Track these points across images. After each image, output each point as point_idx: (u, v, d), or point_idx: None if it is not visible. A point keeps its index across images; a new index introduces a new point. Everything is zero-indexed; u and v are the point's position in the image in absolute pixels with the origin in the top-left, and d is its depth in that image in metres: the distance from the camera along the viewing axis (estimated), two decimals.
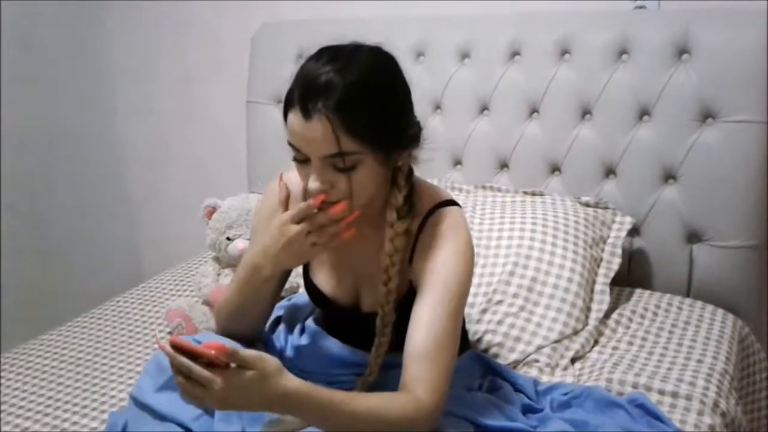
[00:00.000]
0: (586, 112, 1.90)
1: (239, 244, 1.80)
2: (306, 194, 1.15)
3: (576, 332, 1.59)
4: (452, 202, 1.25)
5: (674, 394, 1.35)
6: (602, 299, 1.67)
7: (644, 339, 1.58)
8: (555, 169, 1.97)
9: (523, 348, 1.54)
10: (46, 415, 1.46)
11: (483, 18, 2.07)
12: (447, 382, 1.13)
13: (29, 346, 1.76)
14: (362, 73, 1.09)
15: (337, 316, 1.36)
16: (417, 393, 1.09)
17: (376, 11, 2.20)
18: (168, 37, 2.74)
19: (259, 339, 1.39)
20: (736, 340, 1.63)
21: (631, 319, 1.68)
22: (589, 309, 1.65)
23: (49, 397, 1.52)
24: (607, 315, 1.68)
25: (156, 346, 1.70)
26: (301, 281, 1.41)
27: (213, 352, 0.94)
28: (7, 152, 2.56)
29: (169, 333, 1.74)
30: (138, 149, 2.98)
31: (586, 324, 1.62)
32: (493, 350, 1.54)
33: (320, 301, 1.35)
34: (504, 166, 2.03)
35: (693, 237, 1.82)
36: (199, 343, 0.98)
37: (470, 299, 1.60)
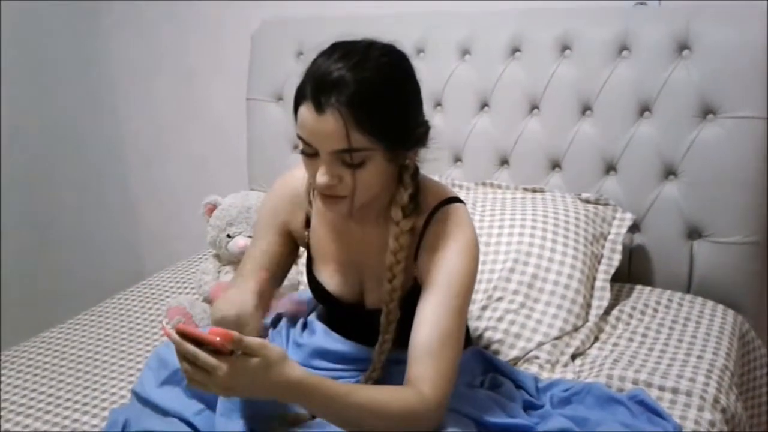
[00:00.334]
0: (586, 109, 1.90)
1: (240, 242, 1.81)
2: (313, 188, 1.14)
3: (576, 329, 1.59)
4: (457, 200, 1.25)
5: (674, 390, 1.35)
6: (602, 296, 1.67)
7: (644, 335, 1.58)
8: (555, 165, 1.97)
9: (524, 345, 1.54)
10: (47, 412, 1.46)
11: (483, 14, 2.07)
12: (452, 380, 1.14)
13: (30, 344, 1.76)
14: (376, 70, 1.09)
15: (341, 313, 1.36)
16: (422, 389, 1.10)
17: (376, 7, 2.20)
18: (168, 36, 2.74)
19: (261, 336, 1.39)
20: (737, 336, 1.63)
21: (631, 316, 1.68)
22: (589, 305, 1.65)
23: (50, 395, 1.52)
24: (608, 311, 1.68)
25: (156, 342, 1.70)
26: (303, 278, 1.41)
27: (218, 339, 0.95)
28: (7, 151, 2.56)
29: (162, 336, 1.74)
30: (139, 147, 2.98)
31: (586, 320, 1.62)
32: (494, 347, 1.54)
33: (324, 298, 1.35)
34: (504, 162, 2.03)
35: (693, 233, 1.82)
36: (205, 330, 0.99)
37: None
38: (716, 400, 1.34)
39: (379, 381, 1.24)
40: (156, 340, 1.73)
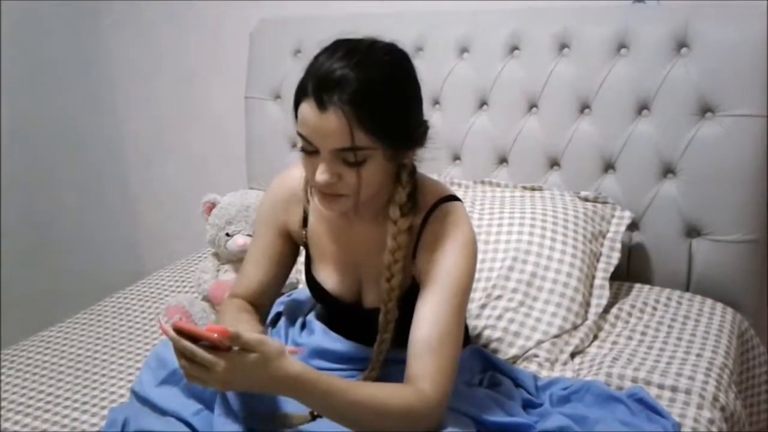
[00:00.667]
0: (585, 107, 1.90)
1: (239, 240, 1.80)
2: (311, 186, 1.15)
3: (575, 327, 1.59)
4: (454, 198, 1.25)
5: (673, 389, 1.35)
6: (601, 294, 1.67)
7: (643, 333, 1.59)
8: (554, 163, 1.97)
9: (523, 343, 1.54)
10: (47, 411, 1.46)
11: (482, 12, 2.07)
12: (452, 377, 1.14)
13: (29, 343, 1.76)
14: (379, 69, 1.09)
15: (339, 313, 1.36)
16: (422, 387, 1.10)
17: (374, 6, 2.20)
18: (168, 35, 2.74)
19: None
20: (736, 334, 1.63)
21: (630, 314, 1.68)
22: (588, 304, 1.65)
23: (50, 394, 1.52)
24: (607, 310, 1.68)
25: (155, 341, 1.70)
26: (301, 277, 1.41)
27: (216, 335, 0.96)
28: (7, 151, 2.56)
29: (162, 335, 1.74)
30: (138, 146, 2.98)
31: (585, 319, 1.62)
32: (493, 345, 1.54)
33: (322, 297, 1.35)
34: (503, 161, 2.03)
35: (692, 231, 1.82)
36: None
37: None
38: (715, 398, 1.34)
39: (378, 380, 1.24)
40: (155, 339, 1.73)
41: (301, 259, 1.40)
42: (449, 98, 2.06)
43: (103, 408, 1.44)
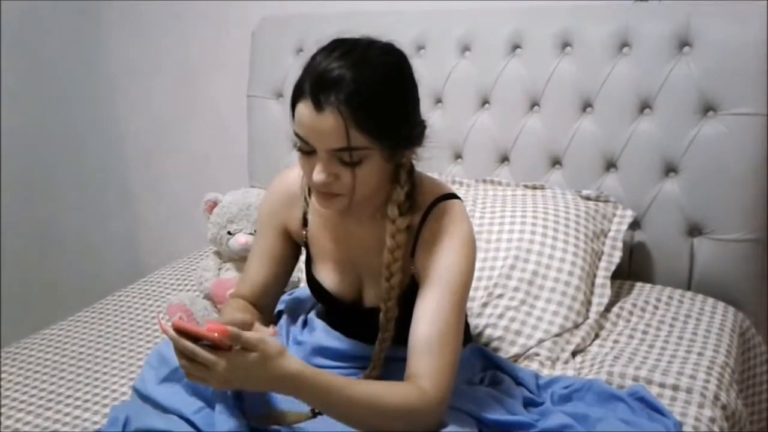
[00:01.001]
0: (587, 105, 1.90)
1: (240, 239, 1.81)
2: (309, 185, 1.15)
3: (577, 326, 1.59)
4: (453, 196, 1.25)
5: (675, 387, 1.35)
6: (603, 293, 1.67)
7: (645, 332, 1.58)
8: (556, 162, 1.96)
9: (524, 342, 1.54)
10: (48, 409, 1.46)
11: (484, 11, 2.06)
12: (452, 375, 1.14)
13: (30, 341, 1.76)
14: (376, 69, 1.09)
15: (340, 312, 1.36)
16: (422, 385, 1.10)
17: (376, 5, 2.19)
18: (169, 34, 2.74)
19: None
20: (737, 333, 1.63)
21: (631, 313, 1.68)
22: (589, 302, 1.65)
23: (51, 391, 1.52)
24: (608, 308, 1.68)
25: (156, 339, 1.70)
26: (302, 275, 1.42)
27: (216, 334, 0.96)
28: (7, 150, 2.56)
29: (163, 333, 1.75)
30: (139, 145, 2.98)
31: (586, 317, 1.62)
32: (494, 344, 1.54)
33: (322, 296, 1.35)
34: (505, 159, 2.03)
35: (694, 230, 1.82)
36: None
37: (471, 293, 1.59)
38: (716, 397, 1.34)
39: (379, 378, 1.24)
40: (157, 337, 1.73)
41: (303, 258, 1.40)
42: (451, 97, 2.06)
43: (105, 406, 1.45)
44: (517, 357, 1.52)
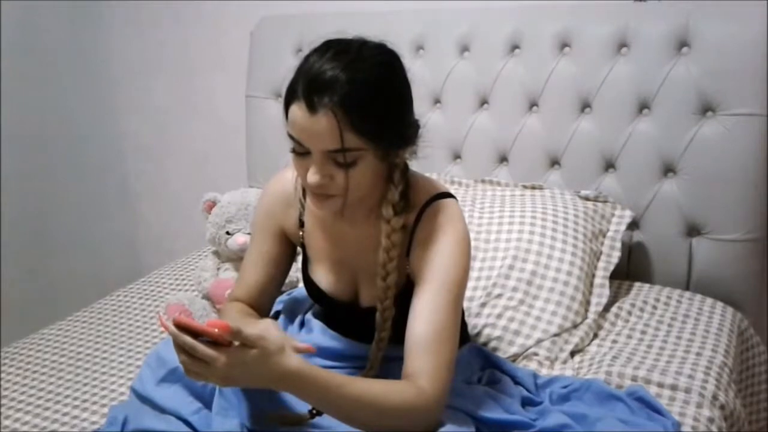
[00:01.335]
0: (585, 106, 1.90)
1: (239, 239, 1.80)
2: (304, 186, 1.15)
3: (575, 326, 1.59)
4: (447, 195, 1.25)
5: (673, 387, 1.35)
6: (602, 293, 1.67)
7: (643, 332, 1.59)
8: (554, 162, 1.97)
9: (523, 341, 1.54)
10: (47, 409, 1.46)
11: (483, 11, 2.07)
12: (449, 373, 1.14)
13: (29, 341, 1.76)
14: (369, 70, 1.09)
15: (337, 312, 1.36)
16: (419, 383, 1.10)
17: (375, 4, 2.19)
18: (168, 33, 2.74)
19: None
20: (736, 333, 1.63)
21: (630, 313, 1.68)
22: (588, 302, 1.65)
23: (50, 391, 1.52)
24: (607, 308, 1.68)
25: (155, 339, 1.70)
26: (300, 275, 1.42)
27: (216, 330, 0.96)
28: (7, 149, 2.56)
29: (162, 332, 1.74)
30: (139, 144, 2.98)
31: (585, 317, 1.62)
32: (493, 344, 1.54)
33: (319, 297, 1.35)
34: (503, 159, 2.03)
35: (692, 230, 1.82)
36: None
37: (470, 293, 1.61)
38: (715, 397, 1.34)
39: (377, 378, 1.24)
40: (155, 337, 1.73)
41: (299, 258, 1.40)
42: (450, 97, 2.06)
43: (103, 406, 1.44)
44: (515, 357, 1.52)
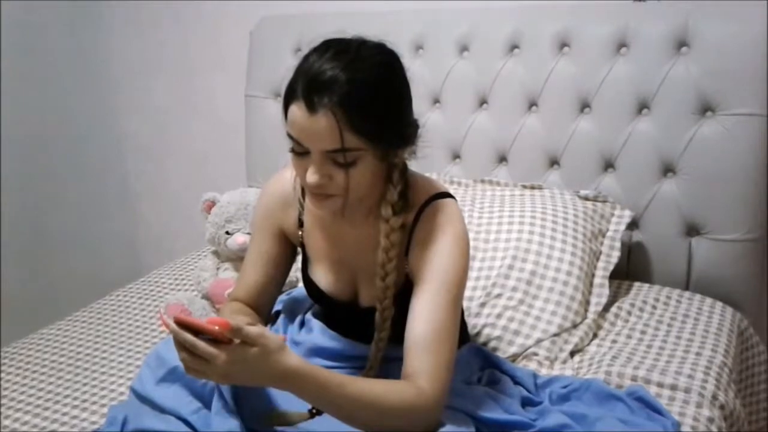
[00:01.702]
0: (585, 106, 1.90)
1: (238, 239, 1.80)
2: (303, 186, 1.15)
3: (575, 325, 1.59)
4: (446, 194, 1.25)
5: (673, 387, 1.35)
6: (601, 292, 1.67)
7: (643, 332, 1.59)
8: (554, 162, 1.97)
9: (522, 341, 1.54)
10: (46, 409, 1.46)
11: (482, 11, 2.07)
12: (449, 373, 1.14)
13: (29, 341, 1.76)
14: (369, 70, 1.10)
15: (336, 312, 1.36)
16: (419, 383, 1.10)
17: (374, 4, 2.19)
18: (168, 33, 2.74)
19: None
20: (735, 333, 1.63)
21: (630, 312, 1.68)
22: (588, 302, 1.65)
23: (49, 391, 1.52)
24: (606, 308, 1.68)
25: (155, 339, 1.70)
26: (300, 275, 1.42)
27: (217, 328, 0.96)
28: (7, 148, 2.56)
29: (162, 331, 1.75)
30: (138, 144, 2.98)
31: (585, 317, 1.62)
32: (492, 344, 1.54)
33: (318, 297, 1.35)
34: (503, 159, 2.03)
35: (692, 230, 1.82)
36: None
37: (469, 293, 1.61)
38: (715, 397, 1.34)
39: (377, 377, 1.24)
40: (155, 337, 1.73)
41: (298, 263, 1.40)
42: (449, 97, 2.06)
43: (103, 406, 1.44)
44: (515, 356, 1.52)
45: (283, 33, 2.29)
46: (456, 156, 2.09)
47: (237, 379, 1.02)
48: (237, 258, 1.82)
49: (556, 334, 1.55)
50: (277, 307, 1.51)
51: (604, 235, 1.77)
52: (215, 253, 1.90)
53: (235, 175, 2.54)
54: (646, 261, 1.88)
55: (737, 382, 1.53)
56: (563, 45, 1.91)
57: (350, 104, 1.06)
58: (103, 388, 1.52)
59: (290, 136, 1.12)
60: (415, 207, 1.22)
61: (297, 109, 1.09)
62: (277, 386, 1.05)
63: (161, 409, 1.20)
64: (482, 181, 1.99)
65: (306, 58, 1.12)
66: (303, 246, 1.35)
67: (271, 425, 1.16)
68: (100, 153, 2.95)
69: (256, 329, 1.00)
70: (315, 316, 1.43)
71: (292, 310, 1.50)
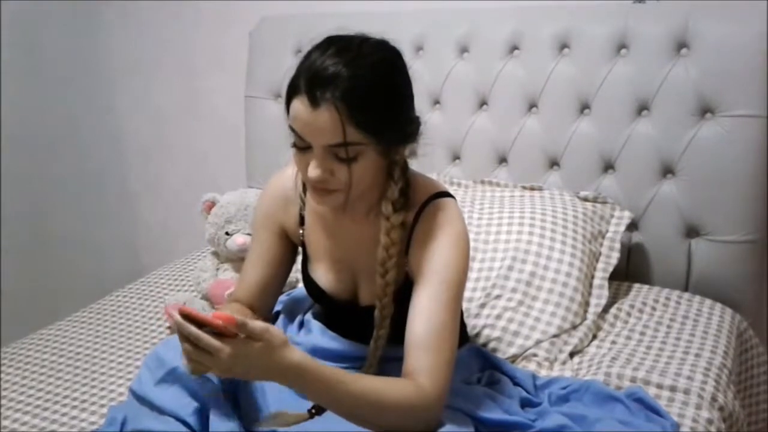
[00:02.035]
0: (585, 107, 1.90)
1: (238, 239, 1.80)
2: (305, 181, 1.16)
3: (574, 327, 1.59)
4: (447, 194, 1.25)
5: (672, 388, 1.35)
6: (601, 294, 1.67)
7: (642, 333, 1.58)
8: (554, 163, 1.97)
9: (522, 342, 1.54)
10: (45, 409, 1.46)
11: (482, 12, 2.07)
12: (449, 372, 1.14)
13: (28, 341, 1.76)
14: (371, 66, 1.10)
15: (336, 311, 1.36)
16: (419, 381, 1.10)
17: (374, 5, 2.20)
18: (168, 32, 2.74)
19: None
20: (735, 334, 1.63)
21: (629, 314, 1.68)
22: (587, 303, 1.65)
23: (48, 392, 1.52)
24: (606, 309, 1.68)
25: (154, 339, 1.70)
26: (300, 275, 1.42)
27: (221, 322, 0.96)
28: (7, 147, 2.56)
29: (168, 328, 1.75)
30: (138, 144, 2.98)
31: (584, 318, 1.62)
32: (492, 344, 1.54)
33: (318, 296, 1.35)
34: (503, 160, 2.03)
35: (692, 231, 1.82)
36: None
37: (469, 294, 1.61)
38: (714, 398, 1.35)
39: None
40: (154, 337, 1.73)
41: (300, 258, 1.40)
42: (449, 98, 2.06)
43: (102, 406, 1.44)
44: (514, 357, 1.52)
45: (283, 33, 2.29)
46: (456, 157, 2.09)
47: (239, 372, 1.01)
48: (236, 259, 1.82)
49: (555, 335, 1.56)
50: (277, 307, 1.51)
51: (603, 236, 1.77)
52: (215, 253, 1.90)
53: (235, 176, 2.54)
54: (646, 262, 1.88)
55: (736, 384, 1.53)
56: (563, 46, 1.91)
57: (352, 99, 1.07)
58: (102, 389, 1.52)
59: (293, 131, 1.12)
60: (416, 206, 1.22)
61: (300, 104, 1.09)
62: (279, 381, 1.04)
63: (160, 410, 1.19)
64: (482, 182, 1.99)
65: (308, 54, 1.13)
66: (303, 244, 1.35)
67: (270, 426, 1.16)
68: (100, 153, 2.95)
69: (260, 324, 1.00)
70: (314, 316, 1.43)
71: (292, 311, 1.50)
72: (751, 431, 1.66)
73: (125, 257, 3.07)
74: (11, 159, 2.58)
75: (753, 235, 1.76)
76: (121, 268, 2.95)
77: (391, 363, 1.21)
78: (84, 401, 1.48)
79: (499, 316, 1.58)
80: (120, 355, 1.65)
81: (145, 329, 1.78)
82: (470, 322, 1.57)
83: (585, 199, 1.84)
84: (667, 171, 1.82)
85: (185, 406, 1.18)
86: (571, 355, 1.54)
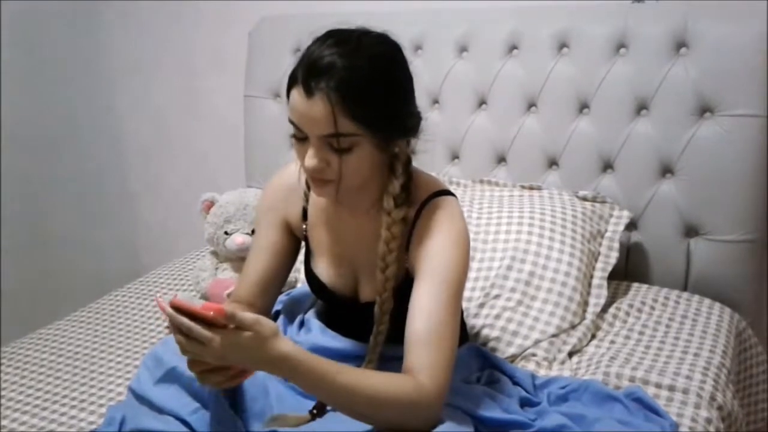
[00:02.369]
0: (584, 106, 1.90)
1: (237, 239, 1.81)
2: (303, 171, 1.17)
3: (573, 326, 1.59)
4: (448, 192, 1.26)
5: (671, 388, 1.35)
6: (600, 293, 1.67)
7: (641, 333, 1.58)
8: (553, 163, 1.97)
9: (521, 342, 1.54)
10: (44, 409, 1.46)
11: (481, 11, 2.07)
12: (449, 369, 1.13)
13: (27, 341, 1.76)
14: (367, 58, 1.11)
15: (337, 308, 1.36)
16: (419, 377, 1.10)
17: (374, 5, 2.19)
18: (168, 32, 2.74)
19: None
20: (733, 334, 1.63)
21: (628, 313, 1.68)
22: (586, 303, 1.65)
23: (47, 391, 1.52)
24: (605, 309, 1.68)
25: (153, 339, 1.70)
26: (299, 275, 1.42)
27: (212, 313, 0.97)
28: (7, 147, 2.56)
29: (167, 328, 1.75)
30: (138, 143, 2.98)
31: (583, 318, 1.62)
32: (491, 344, 1.54)
33: (320, 291, 1.35)
34: (502, 160, 2.03)
35: (691, 231, 1.82)
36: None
37: (468, 293, 1.61)
38: (713, 398, 1.35)
39: None
40: (153, 337, 1.73)
41: (301, 256, 1.40)
42: (448, 97, 2.06)
43: (101, 406, 1.44)
44: (513, 357, 1.52)
45: (283, 33, 2.29)
46: (455, 156, 2.09)
47: (232, 361, 1.02)
48: (236, 258, 1.82)
49: (554, 335, 1.56)
50: (277, 307, 1.52)
51: (602, 236, 1.77)
52: (214, 253, 1.90)
53: (235, 175, 2.54)
54: (645, 262, 1.88)
55: (735, 383, 1.53)
56: (562, 45, 1.91)
57: (346, 90, 1.07)
58: (101, 389, 1.52)
59: (291, 122, 1.13)
60: (417, 202, 1.23)
61: (296, 94, 1.11)
62: (271, 371, 1.04)
63: (159, 410, 1.20)
64: (481, 182, 1.99)
65: (308, 46, 1.14)
66: (306, 239, 1.35)
67: (271, 427, 1.16)
68: (99, 152, 2.95)
69: (250, 315, 1.00)
70: (315, 316, 1.43)
71: (292, 311, 1.50)
72: (749, 430, 1.66)
73: (125, 257, 3.07)
74: (11, 159, 2.58)
75: (752, 234, 1.76)
76: (121, 268, 2.95)
77: (391, 362, 1.21)
78: (83, 401, 1.48)
79: (498, 316, 1.58)
80: (119, 355, 1.66)
81: (144, 329, 1.78)
82: (469, 322, 1.57)
83: (584, 199, 1.84)
84: (667, 170, 1.82)
85: (185, 405, 1.18)
86: (570, 354, 1.54)
